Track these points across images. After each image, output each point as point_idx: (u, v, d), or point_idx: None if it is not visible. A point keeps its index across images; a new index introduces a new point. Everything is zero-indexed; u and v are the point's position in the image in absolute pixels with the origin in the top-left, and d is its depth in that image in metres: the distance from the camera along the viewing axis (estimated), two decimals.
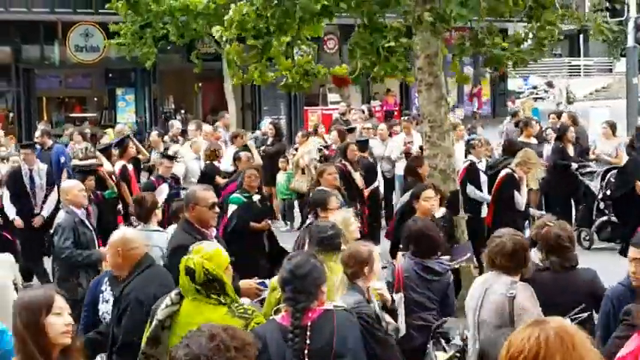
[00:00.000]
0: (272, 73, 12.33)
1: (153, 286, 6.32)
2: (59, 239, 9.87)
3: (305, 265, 5.14)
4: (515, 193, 12.20)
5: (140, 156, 16.77)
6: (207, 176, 14.81)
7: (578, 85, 47.96)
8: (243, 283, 7.25)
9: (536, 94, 45.75)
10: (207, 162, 15.45)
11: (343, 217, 8.14)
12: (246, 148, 15.97)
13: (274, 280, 6.73)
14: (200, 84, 33.90)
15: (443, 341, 7.37)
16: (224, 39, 11.91)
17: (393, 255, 10.13)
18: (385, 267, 8.10)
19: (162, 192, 13.40)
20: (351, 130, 18.15)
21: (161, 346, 5.52)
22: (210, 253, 5.58)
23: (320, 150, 17.49)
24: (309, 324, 4.99)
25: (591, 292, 6.76)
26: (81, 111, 33.48)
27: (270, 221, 12.41)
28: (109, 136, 21.13)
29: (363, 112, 23.96)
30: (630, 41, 27.43)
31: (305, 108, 32.34)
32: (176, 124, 20.57)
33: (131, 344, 6.04)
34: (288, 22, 11.26)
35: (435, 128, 11.55)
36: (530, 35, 12.18)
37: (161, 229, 9.73)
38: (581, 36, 53.17)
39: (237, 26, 11.32)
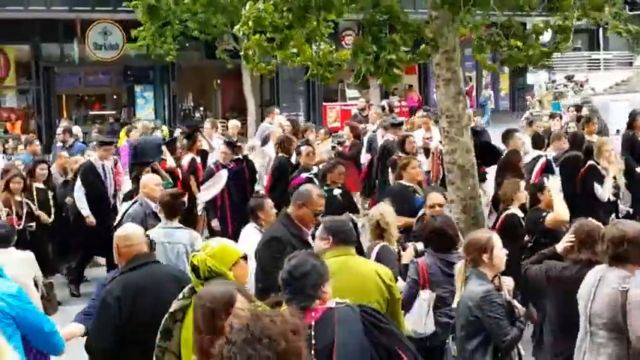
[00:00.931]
0: (296, 60, 12.31)
1: (130, 289, 6.33)
2: None
3: (303, 266, 5.11)
4: (596, 185, 12.04)
5: (208, 149, 16.59)
6: (281, 169, 14.09)
7: (597, 79, 47.77)
8: None
9: (556, 88, 45.56)
10: (280, 154, 14.77)
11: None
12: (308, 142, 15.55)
13: None
14: (219, 81, 33.98)
15: None
16: (241, 34, 11.94)
17: None
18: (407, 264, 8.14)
19: (222, 178, 13.58)
20: (399, 125, 17.30)
21: (174, 339, 5.57)
22: (214, 250, 5.64)
23: (333, 147, 17.43)
24: (312, 323, 4.97)
25: None
26: (100, 108, 33.66)
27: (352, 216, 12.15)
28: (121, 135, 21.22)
29: (383, 108, 23.91)
30: None
31: (324, 104, 32.36)
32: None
33: (88, 348, 6.23)
34: (307, 16, 11.27)
35: (453, 124, 11.52)
36: (549, 30, 12.15)
37: (183, 226, 9.74)
38: (601, 29, 53.02)
39: (255, 22, 11.34)
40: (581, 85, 45.83)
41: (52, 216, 13.43)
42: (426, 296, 7.60)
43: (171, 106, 32.37)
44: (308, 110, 33.54)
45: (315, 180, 12.45)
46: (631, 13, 38.93)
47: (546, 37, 12.63)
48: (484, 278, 6.47)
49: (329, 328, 4.98)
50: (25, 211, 12.81)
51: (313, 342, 4.92)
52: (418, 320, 7.56)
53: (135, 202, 11.29)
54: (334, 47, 12.19)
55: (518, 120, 25.82)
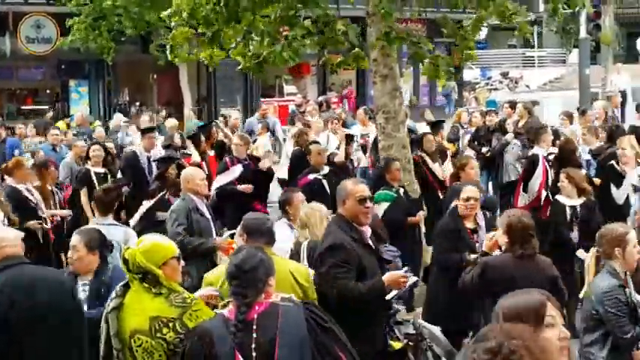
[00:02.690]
0: (221, 54, 12.24)
1: None
2: (172, 225, 9.36)
3: (252, 260, 5.10)
4: (612, 186, 11.55)
5: (227, 140, 15.95)
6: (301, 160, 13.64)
7: (532, 76, 48.39)
8: (388, 277, 6.75)
9: (491, 84, 46.07)
10: (296, 148, 14.51)
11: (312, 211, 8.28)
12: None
13: (207, 275, 6.69)
14: (155, 76, 33.69)
15: (397, 330, 7.41)
16: (172, 24, 11.83)
17: None
18: None
19: (235, 172, 13.16)
20: (439, 124, 16.48)
21: (118, 336, 5.59)
22: (147, 246, 5.66)
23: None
24: (255, 317, 4.97)
25: None
26: (33, 103, 33.10)
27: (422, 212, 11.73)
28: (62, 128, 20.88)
29: (321, 104, 23.95)
30: (583, 32, 27.71)
31: (261, 99, 32.27)
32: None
33: None
34: (241, 12, 11.22)
35: (389, 119, 11.59)
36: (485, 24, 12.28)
37: (117, 223, 9.59)
38: (535, 27, 53.65)
39: (189, 14, 11.26)
40: (516, 82, 46.44)
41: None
42: None
43: (106, 101, 32.00)
44: (245, 105, 33.42)
45: (325, 181, 12.07)
46: (565, 11, 39.33)
47: (482, 35, 12.72)
48: (614, 273, 6.41)
49: (272, 323, 4.97)
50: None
51: (255, 335, 4.92)
52: None
53: (159, 201, 11.04)
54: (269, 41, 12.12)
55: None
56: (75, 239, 7.21)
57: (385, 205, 10.91)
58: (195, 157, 14.00)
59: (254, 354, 4.90)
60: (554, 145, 13.49)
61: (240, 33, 11.61)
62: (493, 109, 21.49)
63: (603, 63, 35.54)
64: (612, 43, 35.22)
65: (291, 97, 29.07)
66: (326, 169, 12.47)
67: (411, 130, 14.81)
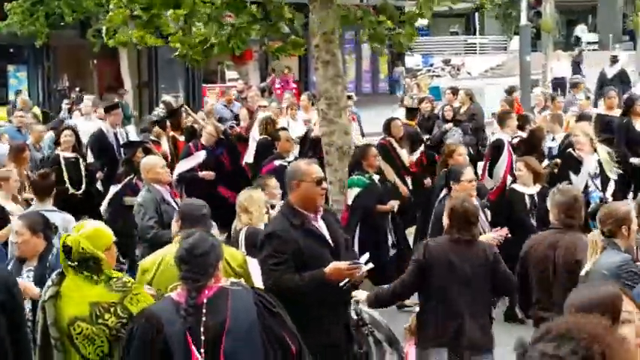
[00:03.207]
0: (158, 41, 12.13)
1: None
2: (142, 219, 9.14)
3: (202, 244, 5.11)
4: (571, 174, 11.40)
5: (197, 126, 15.51)
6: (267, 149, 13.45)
7: (474, 63, 48.73)
8: (331, 268, 6.29)
9: (434, 71, 46.29)
10: (263, 137, 14.19)
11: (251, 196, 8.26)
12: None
13: (142, 262, 6.64)
14: (95, 61, 33.30)
15: None
16: (110, 7, 11.70)
17: None
18: None
19: (198, 158, 13.13)
20: (415, 111, 16.10)
21: (55, 325, 5.55)
22: (89, 232, 5.65)
23: (232, 127, 16.92)
24: (205, 301, 4.98)
25: None
26: None
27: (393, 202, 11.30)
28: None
29: (263, 90, 23.87)
30: (523, 19, 27.96)
31: (203, 85, 32.07)
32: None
33: None
34: None
35: (331, 105, 11.58)
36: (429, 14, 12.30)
37: (56, 208, 9.46)
38: (477, 14, 54.11)
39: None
40: (458, 69, 46.73)
41: None
42: None
43: (45, 86, 31.55)
44: (187, 91, 33.17)
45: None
46: None
47: (424, 21, 12.77)
48: (620, 250, 6.42)
49: (221, 307, 4.99)
50: None
51: (204, 319, 4.94)
52: None
53: (126, 185, 10.83)
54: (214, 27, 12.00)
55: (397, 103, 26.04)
56: (17, 224, 7.13)
57: (356, 190, 10.77)
58: (165, 146, 13.87)
59: (203, 337, 4.92)
60: (522, 129, 13.47)
61: (179, 18, 11.50)
62: (430, 96, 21.52)
63: (544, 50, 36.00)
64: (552, 31, 35.66)
65: (232, 84, 28.88)
66: (291, 157, 12.36)
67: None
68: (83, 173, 12.90)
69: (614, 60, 29.15)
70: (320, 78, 11.67)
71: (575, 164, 11.53)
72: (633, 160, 13.31)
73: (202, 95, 31.36)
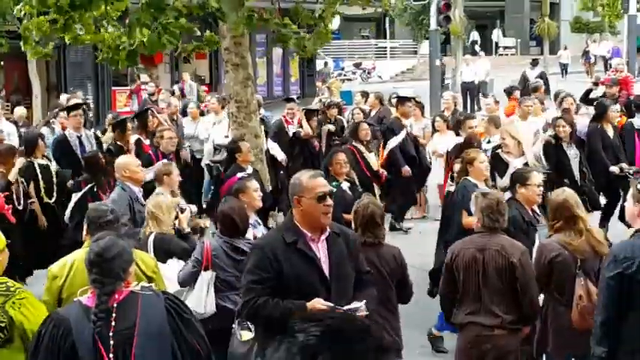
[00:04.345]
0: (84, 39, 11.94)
1: None
2: None
3: (113, 248, 5.07)
4: (497, 176, 11.13)
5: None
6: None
7: (384, 67, 49.22)
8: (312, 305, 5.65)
9: (344, 75, 46.60)
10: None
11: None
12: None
13: (51, 268, 6.55)
14: (2, 63, 32.67)
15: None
16: (22, 13, 11.50)
17: None
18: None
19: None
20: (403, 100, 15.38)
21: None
22: None
23: None
24: (114, 305, 4.95)
25: None
26: None
27: None
28: None
29: (173, 92, 23.72)
30: (433, 24, 28.35)
31: (113, 88, 31.73)
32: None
33: None
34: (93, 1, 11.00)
35: (241, 109, 11.62)
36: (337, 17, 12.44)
37: None
38: (387, 19, 54.64)
39: (39, 2, 10.97)
40: (369, 73, 47.15)
41: None
42: (206, 277, 7.60)
43: None
44: (97, 94, 32.76)
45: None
46: (416, 3, 40.19)
47: (335, 24, 12.87)
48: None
49: (131, 312, 4.96)
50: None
51: (113, 324, 4.90)
52: (198, 300, 7.54)
53: (87, 193, 10.61)
54: (122, 31, 11.90)
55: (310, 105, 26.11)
56: None
57: None
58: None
59: (112, 342, 4.88)
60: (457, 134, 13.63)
61: (89, 20, 11.38)
62: (341, 101, 21.65)
63: (454, 54, 36.55)
64: (461, 35, 36.22)
65: (143, 87, 28.65)
66: (250, 169, 11.62)
67: (263, 120, 14.82)
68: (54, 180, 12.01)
69: (535, 63, 29.90)
70: (230, 81, 11.70)
71: (503, 166, 11.60)
72: (613, 168, 13.16)
73: (112, 98, 31.00)
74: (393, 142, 14.16)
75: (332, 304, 5.55)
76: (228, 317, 7.32)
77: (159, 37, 10.92)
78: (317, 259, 5.79)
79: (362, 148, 12.89)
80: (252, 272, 5.80)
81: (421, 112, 16.83)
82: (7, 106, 22.81)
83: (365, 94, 19.48)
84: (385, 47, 55.14)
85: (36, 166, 11.74)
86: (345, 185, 10.64)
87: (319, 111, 16.73)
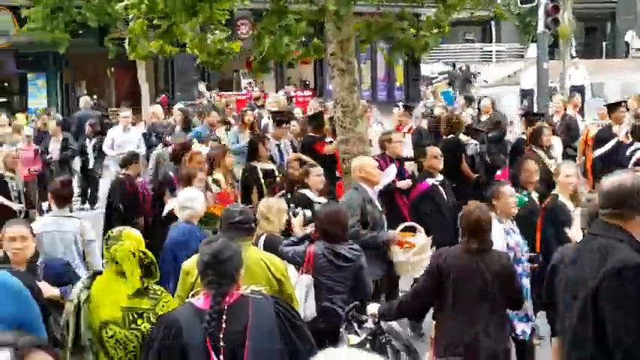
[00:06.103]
0: (175, 49, 12.18)
1: None
2: None
3: (227, 250, 5.11)
4: None
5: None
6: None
7: (490, 71, 48.62)
8: None
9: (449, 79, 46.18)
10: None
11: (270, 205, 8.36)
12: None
13: (186, 264, 6.70)
14: (113, 69, 33.45)
15: (355, 325, 7.43)
16: (130, 17, 11.75)
17: None
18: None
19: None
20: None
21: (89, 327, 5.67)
22: (139, 237, 5.92)
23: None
24: (225, 308, 4.98)
25: None
26: None
27: None
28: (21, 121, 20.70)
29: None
30: (540, 27, 27.85)
31: (219, 93, 32.17)
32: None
33: None
34: (199, 5, 11.18)
35: (347, 113, 11.61)
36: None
37: (73, 214, 9.55)
38: (493, 22, 53.96)
39: (147, 6, 11.19)
40: (474, 77, 46.61)
41: None
42: (306, 280, 7.63)
43: (64, 94, 31.70)
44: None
45: None
46: (523, 5, 39.62)
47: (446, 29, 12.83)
48: None
49: (242, 315, 4.99)
50: None
51: (224, 326, 4.93)
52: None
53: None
54: (230, 34, 12.06)
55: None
56: (23, 230, 6.72)
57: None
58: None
59: (222, 344, 4.91)
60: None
61: (196, 26, 11.57)
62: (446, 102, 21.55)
63: (561, 58, 35.88)
64: (569, 39, 35.55)
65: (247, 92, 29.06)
66: (440, 177, 11.38)
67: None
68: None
69: None
70: (336, 86, 11.72)
71: None
72: None
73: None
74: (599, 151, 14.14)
75: None
76: (333, 319, 7.36)
77: (281, 40, 11.08)
78: None
79: (542, 154, 12.27)
80: None
81: None
82: (117, 110, 23.41)
83: (469, 100, 19.29)
84: (491, 51, 54.47)
85: (258, 170, 12.33)
86: (535, 195, 9.98)
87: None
